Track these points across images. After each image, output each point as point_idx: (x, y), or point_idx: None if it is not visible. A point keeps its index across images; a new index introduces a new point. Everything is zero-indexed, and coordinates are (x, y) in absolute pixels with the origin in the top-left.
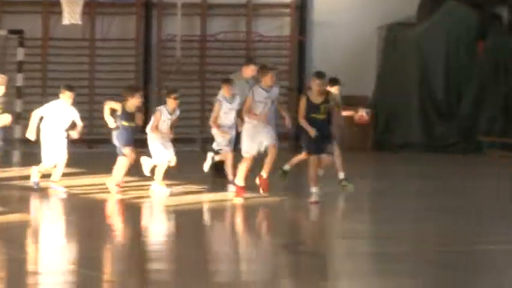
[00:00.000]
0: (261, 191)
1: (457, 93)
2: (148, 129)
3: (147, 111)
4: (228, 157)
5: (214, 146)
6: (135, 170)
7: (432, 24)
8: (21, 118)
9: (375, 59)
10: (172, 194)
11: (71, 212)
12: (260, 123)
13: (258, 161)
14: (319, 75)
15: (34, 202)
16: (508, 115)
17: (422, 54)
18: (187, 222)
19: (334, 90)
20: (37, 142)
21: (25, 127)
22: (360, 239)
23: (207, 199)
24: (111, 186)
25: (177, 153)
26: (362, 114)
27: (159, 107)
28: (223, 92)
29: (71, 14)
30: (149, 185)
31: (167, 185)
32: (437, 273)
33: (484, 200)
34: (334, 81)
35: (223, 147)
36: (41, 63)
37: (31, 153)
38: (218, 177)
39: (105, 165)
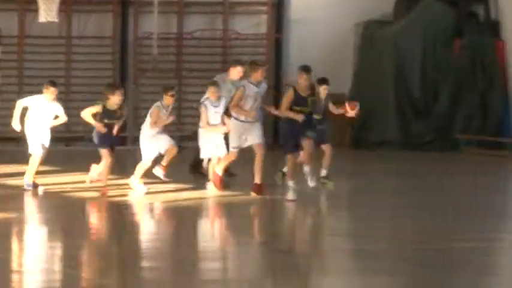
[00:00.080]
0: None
1: (434, 91)
2: (145, 126)
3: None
4: (214, 159)
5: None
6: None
7: (409, 22)
8: None
9: (351, 56)
10: (149, 192)
11: (49, 210)
12: (248, 120)
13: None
14: (307, 69)
15: (12, 200)
16: (484, 113)
17: (399, 52)
18: (165, 220)
19: (322, 89)
20: (10, 140)
21: (1, 124)
22: (337, 236)
23: (185, 197)
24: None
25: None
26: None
27: (156, 104)
28: (209, 95)
29: (47, 12)
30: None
31: (145, 183)
32: (415, 271)
33: (461, 198)
34: (322, 81)
35: (211, 155)
36: (17, 61)
37: (4, 151)
38: (193, 173)
39: (82, 163)
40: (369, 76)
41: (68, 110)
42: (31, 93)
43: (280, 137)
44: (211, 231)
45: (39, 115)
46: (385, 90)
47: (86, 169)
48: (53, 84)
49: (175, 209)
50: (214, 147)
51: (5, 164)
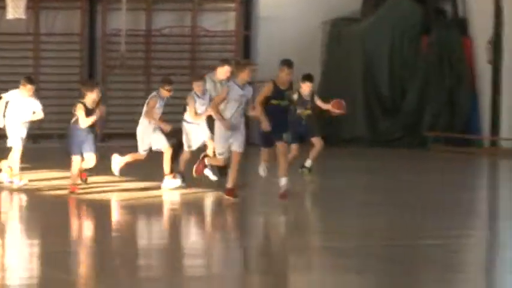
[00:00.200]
0: (230, 198)
1: (402, 88)
2: (142, 117)
3: None
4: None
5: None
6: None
7: (376, 19)
8: None
9: (319, 53)
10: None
11: (20, 208)
12: (232, 122)
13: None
14: (290, 64)
15: None
16: (452, 110)
17: (367, 49)
18: (136, 217)
19: (305, 86)
20: None
21: None
22: (308, 233)
23: (157, 194)
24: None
25: (120, 148)
26: (333, 101)
27: (153, 93)
28: (195, 89)
29: (15, 9)
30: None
31: (116, 181)
32: (384, 268)
33: (429, 195)
34: (306, 77)
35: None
36: None
37: None
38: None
39: (51, 160)
40: (337, 73)
41: None
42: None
43: (256, 134)
44: (181, 228)
45: (18, 110)
46: (353, 88)
47: (54, 166)
48: (30, 81)
49: (145, 206)
50: (198, 136)
51: None
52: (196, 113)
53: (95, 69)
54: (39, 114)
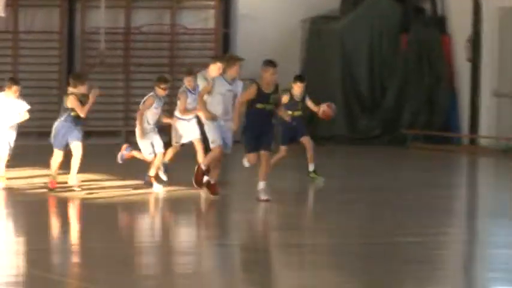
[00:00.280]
0: (211, 194)
1: (381, 86)
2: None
3: None
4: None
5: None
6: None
7: (355, 18)
8: None
9: (299, 51)
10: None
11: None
12: (224, 117)
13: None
14: (273, 63)
15: None
16: (431, 108)
17: (346, 48)
18: (114, 215)
19: (297, 87)
20: None
21: None
22: (287, 231)
23: (136, 192)
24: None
25: (99, 146)
26: (324, 109)
27: (151, 93)
28: (186, 84)
29: None
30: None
31: (98, 179)
32: (363, 265)
33: (408, 192)
34: (298, 78)
35: (186, 140)
36: None
37: None
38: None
39: (30, 158)
40: (316, 71)
41: None
42: None
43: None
44: (161, 227)
45: (4, 113)
46: (332, 85)
47: (34, 164)
48: (15, 82)
49: (127, 204)
50: (188, 133)
51: None
52: (185, 109)
53: (74, 67)
54: (25, 116)
